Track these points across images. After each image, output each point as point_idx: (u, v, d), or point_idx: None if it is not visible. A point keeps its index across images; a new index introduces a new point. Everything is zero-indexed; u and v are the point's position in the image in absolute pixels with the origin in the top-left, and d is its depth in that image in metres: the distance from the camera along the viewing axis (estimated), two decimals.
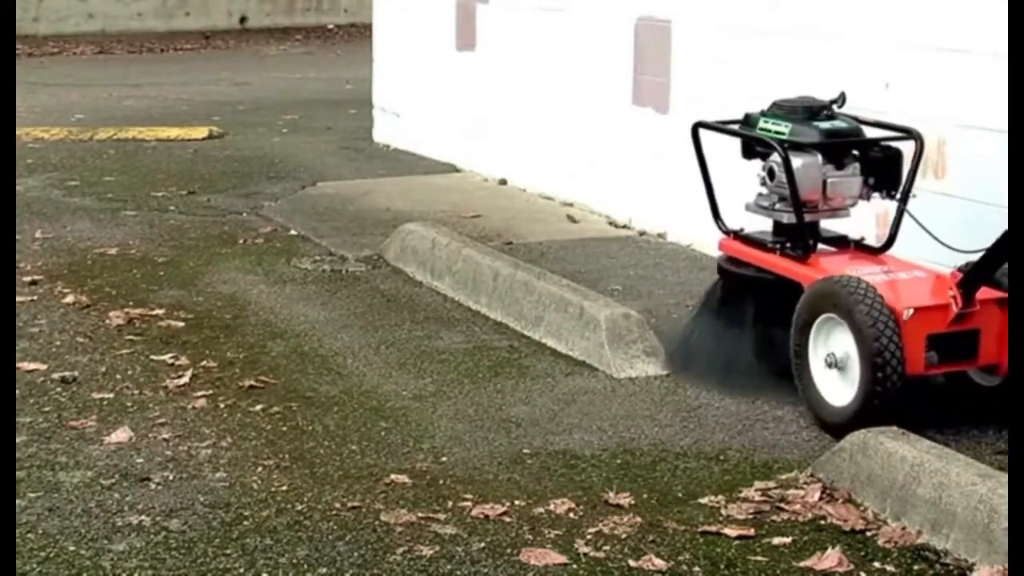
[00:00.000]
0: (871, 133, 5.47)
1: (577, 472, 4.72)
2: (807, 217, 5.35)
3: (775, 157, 5.36)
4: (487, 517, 4.35)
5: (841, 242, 5.54)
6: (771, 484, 4.60)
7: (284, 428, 5.10)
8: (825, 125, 5.37)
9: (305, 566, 4.03)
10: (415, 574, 4.00)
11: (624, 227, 8.09)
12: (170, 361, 5.79)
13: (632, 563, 4.06)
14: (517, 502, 4.46)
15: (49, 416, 5.19)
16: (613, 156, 8.30)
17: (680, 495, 4.54)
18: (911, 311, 4.87)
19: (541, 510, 4.40)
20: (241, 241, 7.91)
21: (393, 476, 4.65)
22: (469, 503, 4.45)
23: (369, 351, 5.97)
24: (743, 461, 4.81)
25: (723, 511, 4.40)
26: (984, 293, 4.93)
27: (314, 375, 5.67)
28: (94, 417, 5.17)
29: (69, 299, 6.67)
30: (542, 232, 7.97)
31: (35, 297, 6.71)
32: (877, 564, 4.07)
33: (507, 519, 4.34)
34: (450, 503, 4.45)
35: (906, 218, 5.37)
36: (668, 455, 4.87)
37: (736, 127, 5.62)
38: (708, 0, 7.50)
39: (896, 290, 5.04)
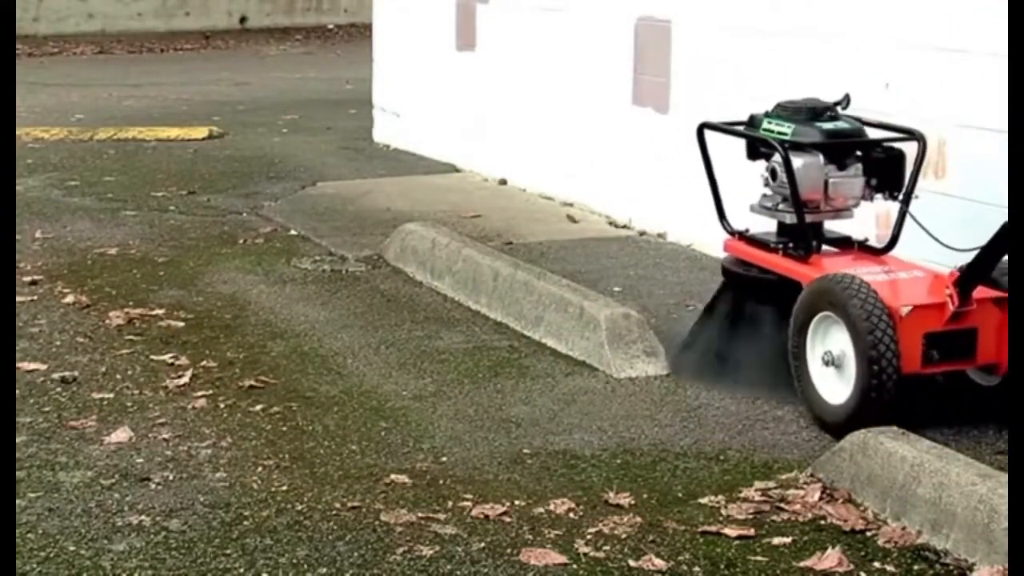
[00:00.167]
0: (875, 134, 5.48)
1: (577, 472, 4.72)
2: (809, 218, 5.36)
3: (777, 157, 5.38)
4: (487, 517, 4.35)
5: (844, 243, 5.56)
6: (771, 484, 4.60)
7: (284, 428, 5.10)
8: (827, 126, 5.38)
9: (305, 566, 4.03)
10: (415, 574, 4.00)
11: (624, 227, 8.09)
12: (170, 361, 5.79)
13: (632, 563, 4.06)
14: (517, 502, 4.46)
15: (49, 416, 5.19)
16: (613, 156, 8.30)
17: (680, 495, 4.54)
18: (908, 309, 4.88)
19: (541, 510, 4.40)
20: (241, 241, 7.91)
21: (393, 476, 4.65)
22: (469, 503, 4.45)
23: (369, 351, 5.97)
24: (743, 461, 4.81)
25: (723, 511, 4.40)
26: (982, 292, 4.94)
27: (314, 375, 5.67)
28: (94, 417, 5.17)
29: (69, 299, 6.67)
30: (542, 232, 7.97)
31: (35, 297, 6.71)
32: (877, 564, 4.07)
33: (507, 519, 4.34)
34: (450, 503, 4.45)
35: (908, 219, 5.38)
36: (668, 455, 4.87)
37: (740, 128, 5.64)
38: (708, 0, 7.50)
39: (894, 289, 5.05)
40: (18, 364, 5.63)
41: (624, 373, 5.65)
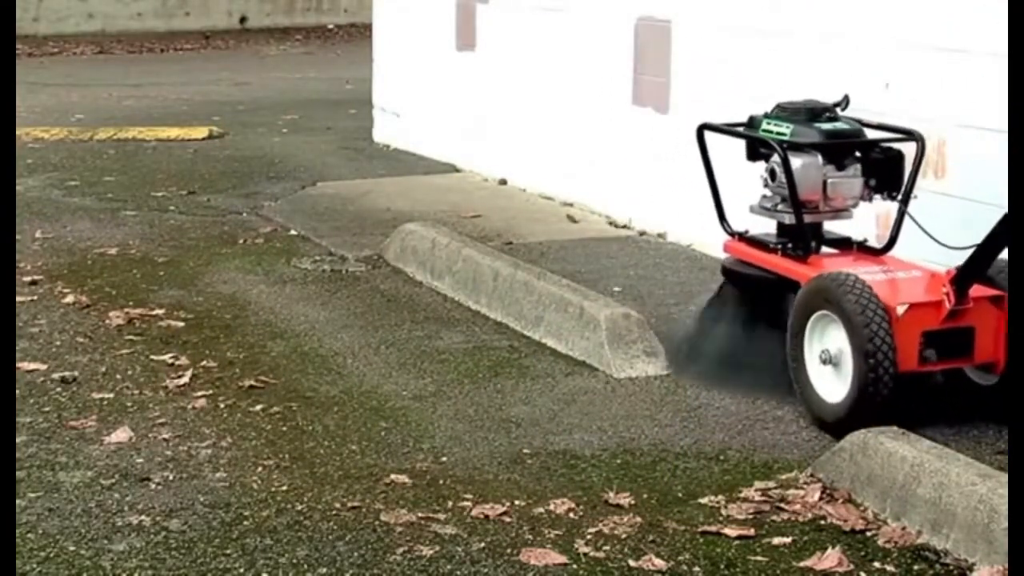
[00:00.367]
0: (874, 135, 5.48)
1: (577, 472, 4.72)
2: (808, 218, 5.37)
3: (776, 158, 5.38)
4: (487, 517, 4.35)
5: (844, 243, 5.57)
6: (771, 484, 4.60)
7: (284, 428, 5.10)
8: (826, 126, 5.39)
9: (305, 566, 4.04)
10: (415, 574, 4.00)
11: (624, 227, 8.09)
12: (170, 361, 5.79)
13: (632, 563, 4.06)
14: (517, 502, 4.46)
15: (49, 416, 5.19)
16: (613, 156, 8.30)
17: (680, 495, 4.54)
18: (905, 306, 4.89)
19: (541, 510, 4.41)
20: (241, 241, 7.91)
21: (393, 476, 4.65)
22: (469, 503, 4.45)
23: (369, 351, 5.97)
24: (743, 461, 4.81)
25: (723, 511, 4.40)
26: (979, 291, 4.95)
27: (314, 375, 5.67)
28: (94, 417, 5.17)
29: (69, 299, 6.67)
30: (542, 232, 7.97)
31: (35, 297, 6.71)
32: (877, 564, 4.07)
33: (507, 519, 4.34)
34: (450, 503, 4.45)
35: (908, 219, 5.38)
36: (668, 455, 4.87)
37: (740, 129, 5.65)
38: (708, 0, 7.50)
39: (891, 287, 5.06)
40: (18, 364, 5.63)
41: (624, 373, 5.65)
